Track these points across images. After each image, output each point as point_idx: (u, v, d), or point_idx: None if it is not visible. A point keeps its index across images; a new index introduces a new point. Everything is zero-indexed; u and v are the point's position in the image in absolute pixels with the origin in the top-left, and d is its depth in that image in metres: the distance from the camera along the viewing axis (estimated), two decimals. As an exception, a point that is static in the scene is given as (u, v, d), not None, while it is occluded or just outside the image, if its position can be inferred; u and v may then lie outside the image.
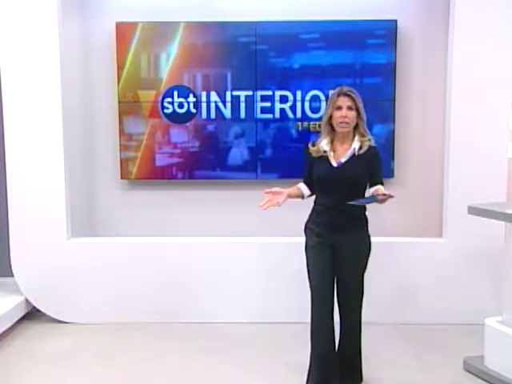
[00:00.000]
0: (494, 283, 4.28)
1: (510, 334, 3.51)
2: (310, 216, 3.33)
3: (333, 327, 3.26)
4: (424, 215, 4.84)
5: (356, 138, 3.22)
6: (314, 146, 3.29)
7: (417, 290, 4.54)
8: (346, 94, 3.18)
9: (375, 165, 3.25)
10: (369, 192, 3.26)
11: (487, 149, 4.42)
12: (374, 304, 4.38)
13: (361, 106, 3.21)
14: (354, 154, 3.20)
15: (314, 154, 3.26)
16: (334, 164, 3.20)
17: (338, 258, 3.23)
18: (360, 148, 3.20)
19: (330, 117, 3.21)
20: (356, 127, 3.23)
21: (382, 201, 3.07)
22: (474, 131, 4.42)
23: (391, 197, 3.06)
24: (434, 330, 4.42)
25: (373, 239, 4.42)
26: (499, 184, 4.43)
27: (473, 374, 3.68)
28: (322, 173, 3.23)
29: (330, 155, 3.22)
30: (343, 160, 3.20)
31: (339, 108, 3.17)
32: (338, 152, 3.24)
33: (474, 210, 3.70)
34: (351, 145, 3.22)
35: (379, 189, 3.17)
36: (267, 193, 3.23)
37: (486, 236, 4.33)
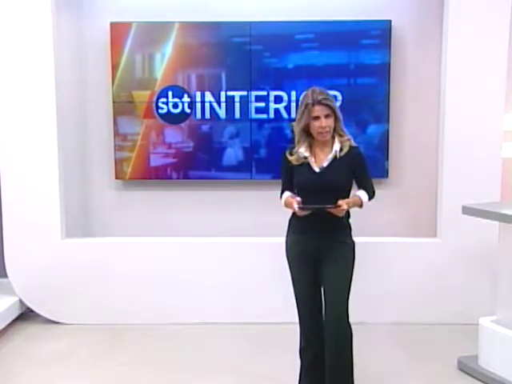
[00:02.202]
0: (488, 283, 4.30)
1: (504, 334, 3.53)
2: (290, 224, 3.18)
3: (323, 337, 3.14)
4: (418, 215, 4.85)
5: (336, 139, 3.06)
6: (291, 154, 3.10)
7: (411, 290, 4.54)
8: (321, 104, 2.96)
9: (360, 166, 3.10)
10: (353, 194, 3.12)
11: (481, 149, 4.43)
12: (368, 304, 4.40)
13: (336, 108, 3.02)
14: (336, 156, 3.04)
15: (294, 162, 3.08)
16: (317, 169, 3.04)
17: (322, 267, 3.05)
18: (341, 150, 3.04)
19: (307, 124, 3.02)
20: (334, 129, 3.05)
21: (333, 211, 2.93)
22: (468, 131, 4.43)
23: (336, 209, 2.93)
24: (428, 330, 4.43)
25: (367, 239, 4.45)
26: (493, 184, 4.44)
27: (467, 373, 3.70)
28: (304, 180, 3.06)
29: (311, 161, 3.06)
30: (325, 164, 3.04)
31: (317, 118, 2.98)
32: (320, 157, 3.07)
33: (468, 210, 3.71)
34: (332, 148, 3.05)
35: (345, 202, 2.94)
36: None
37: (480, 236, 4.34)
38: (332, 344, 3.04)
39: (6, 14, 4.34)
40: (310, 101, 2.98)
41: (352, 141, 3.10)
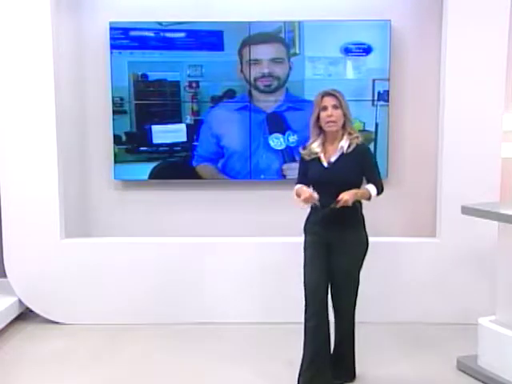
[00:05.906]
0: (488, 283, 4.29)
1: (503, 334, 3.53)
2: (308, 215, 3.41)
3: (327, 328, 3.30)
4: (418, 215, 4.85)
5: (345, 137, 3.29)
6: (304, 149, 3.38)
7: (410, 290, 4.55)
8: (330, 94, 3.27)
9: (366, 161, 3.33)
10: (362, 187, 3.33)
11: (480, 149, 4.44)
12: (367, 303, 4.38)
13: (346, 105, 3.29)
14: (343, 152, 3.28)
15: (307, 157, 3.35)
16: (325, 164, 3.29)
17: (333, 256, 3.30)
18: (348, 146, 3.27)
19: (318, 118, 3.29)
20: (344, 127, 3.30)
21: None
22: (468, 131, 4.43)
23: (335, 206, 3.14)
24: (428, 330, 4.43)
25: (367, 239, 4.44)
26: (492, 184, 4.45)
27: (466, 373, 3.70)
28: (314, 174, 3.32)
29: (321, 156, 3.31)
30: (332, 159, 3.28)
31: (325, 108, 3.25)
32: (329, 152, 3.32)
33: (468, 210, 3.71)
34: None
35: (346, 193, 3.13)
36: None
37: (479, 236, 4.34)
38: (341, 328, 3.42)
39: (6, 13, 4.34)
40: (320, 93, 3.31)
41: (360, 139, 3.31)
